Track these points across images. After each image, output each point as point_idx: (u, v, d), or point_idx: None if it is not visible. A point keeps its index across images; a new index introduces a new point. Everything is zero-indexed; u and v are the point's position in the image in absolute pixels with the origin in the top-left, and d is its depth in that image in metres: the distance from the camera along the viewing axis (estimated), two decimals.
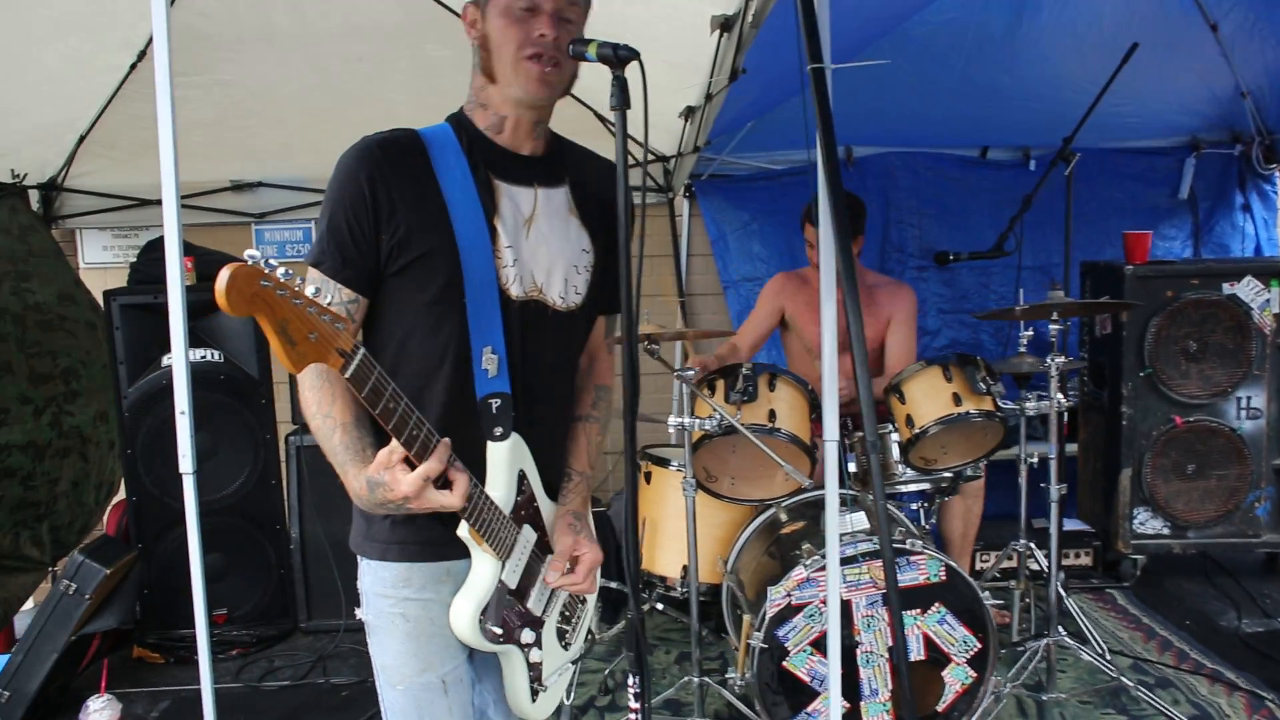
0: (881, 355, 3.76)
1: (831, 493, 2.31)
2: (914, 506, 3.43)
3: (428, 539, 1.66)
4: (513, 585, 1.69)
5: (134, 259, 4.83)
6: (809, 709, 2.82)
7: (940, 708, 2.87)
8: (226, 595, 3.75)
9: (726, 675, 3.03)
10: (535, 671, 1.77)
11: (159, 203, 4.42)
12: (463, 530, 1.60)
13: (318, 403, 1.57)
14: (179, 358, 2.40)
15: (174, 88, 2.34)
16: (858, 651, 2.80)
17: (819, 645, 2.80)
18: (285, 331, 1.27)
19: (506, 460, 1.66)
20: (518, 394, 1.66)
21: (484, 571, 1.65)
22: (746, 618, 2.87)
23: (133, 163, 4.38)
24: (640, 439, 4.02)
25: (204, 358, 3.68)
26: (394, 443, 1.48)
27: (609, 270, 1.77)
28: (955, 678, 2.86)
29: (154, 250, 3.88)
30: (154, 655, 3.73)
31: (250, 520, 3.81)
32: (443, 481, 1.53)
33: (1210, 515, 4.06)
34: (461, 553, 1.65)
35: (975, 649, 2.85)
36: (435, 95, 4.15)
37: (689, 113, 3.97)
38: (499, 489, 1.65)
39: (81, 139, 4.31)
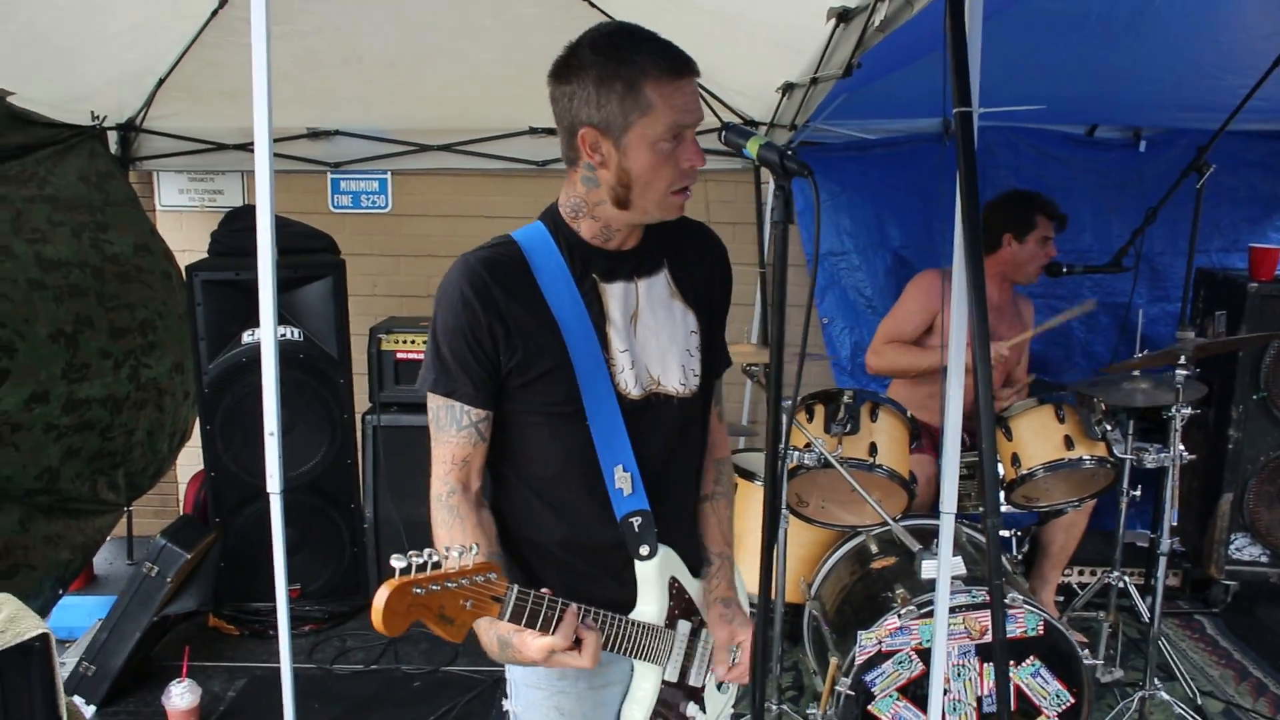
0: (1011, 371, 3.60)
1: (944, 573, 2.20)
2: (1007, 533, 3.30)
3: None
4: (674, 679, 1.75)
5: (208, 202, 4.82)
6: None
7: None
8: (299, 570, 3.77)
9: (808, 710, 2.97)
10: None
11: (236, 147, 4.51)
12: (623, 656, 1.65)
13: (450, 539, 1.57)
14: (269, 382, 2.33)
15: (269, 48, 2.23)
16: (946, 699, 2.72)
17: (906, 691, 2.73)
18: (443, 616, 1.31)
19: (656, 577, 1.67)
20: (655, 505, 1.65)
21: (646, 679, 1.71)
22: (833, 659, 2.80)
23: (210, 107, 4.32)
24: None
25: (284, 335, 3.62)
26: None
27: (717, 340, 1.78)
28: None
29: (235, 221, 3.79)
30: (229, 627, 3.78)
31: (325, 498, 3.80)
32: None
33: None
34: None
35: (1068, 704, 2.76)
36: (522, 53, 4.05)
37: (788, 88, 3.76)
38: (651, 604, 1.67)
39: (160, 83, 4.23)
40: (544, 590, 1.46)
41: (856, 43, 2.74)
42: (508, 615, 1.40)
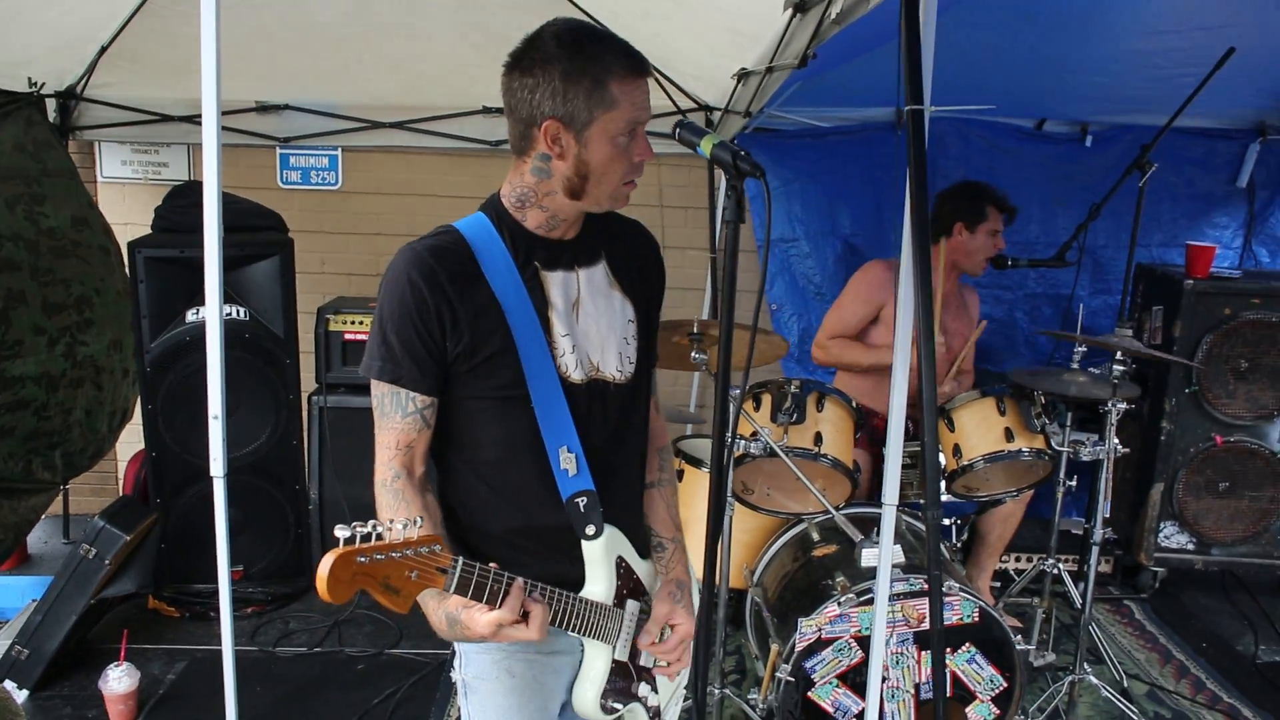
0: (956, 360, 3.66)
1: (885, 564, 2.24)
2: (947, 522, 3.37)
3: None
4: (624, 658, 1.78)
5: (152, 175, 4.71)
6: None
7: None
8: (242, 552, 3.73)
9: (749, 695, 3.02)
10: (654, 712, 1.86)
11: (180, 119, 4.40)
12: (571, 634, 1.69)
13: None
14: (214, 365, 2.29)
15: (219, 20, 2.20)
16: (885, 685, 2.78)
17: (845, 679, 2.79)
18: (388, 586, 1.31)
19: (603, 556, 1.70)
20: (600, 486, 1.68)
21: (597, 657, 1.75)
22: (774, 646, 2.84)
23: (155, 77, 4.21)
24: (671, 432, 3.95)
25: (230, 314, 3.56)
26: None
27: (652, 330, 1.83)
28: (979, 714, 2.86)
29: (181, 197, 3.71)
30: (169, 609, 3.73)
31: (269, 479, 3.76)
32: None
33: (1237, 535, 4.04)
34: None
35: (1001, 688, 2.84)
36: (478, 32, 4.00)
37: (743, 75, 3.76)
38: (599, 583, 1.71)
39: (103, 50, 4.10)
40: (490, 564, 1.48)
41: (813, 34, 2.76)
42: (453, 587, 1.42)
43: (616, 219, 1.80)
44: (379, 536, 1.31)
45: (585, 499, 1.66)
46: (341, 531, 1.28)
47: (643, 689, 1.82)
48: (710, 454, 1.61)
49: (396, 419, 1.60)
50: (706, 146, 1.48)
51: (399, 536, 1.33)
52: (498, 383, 1.62)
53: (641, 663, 1.82)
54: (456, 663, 1.78)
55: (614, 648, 1.75)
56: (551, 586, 1.60)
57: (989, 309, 4.88)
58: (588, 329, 1.69)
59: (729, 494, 2.93)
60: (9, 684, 3.14)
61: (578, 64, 1.52)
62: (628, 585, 1.76)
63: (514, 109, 1.58)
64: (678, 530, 1.88)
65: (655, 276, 1.85)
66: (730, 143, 1.50)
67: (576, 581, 1.70)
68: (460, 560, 1.43)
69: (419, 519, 1.39)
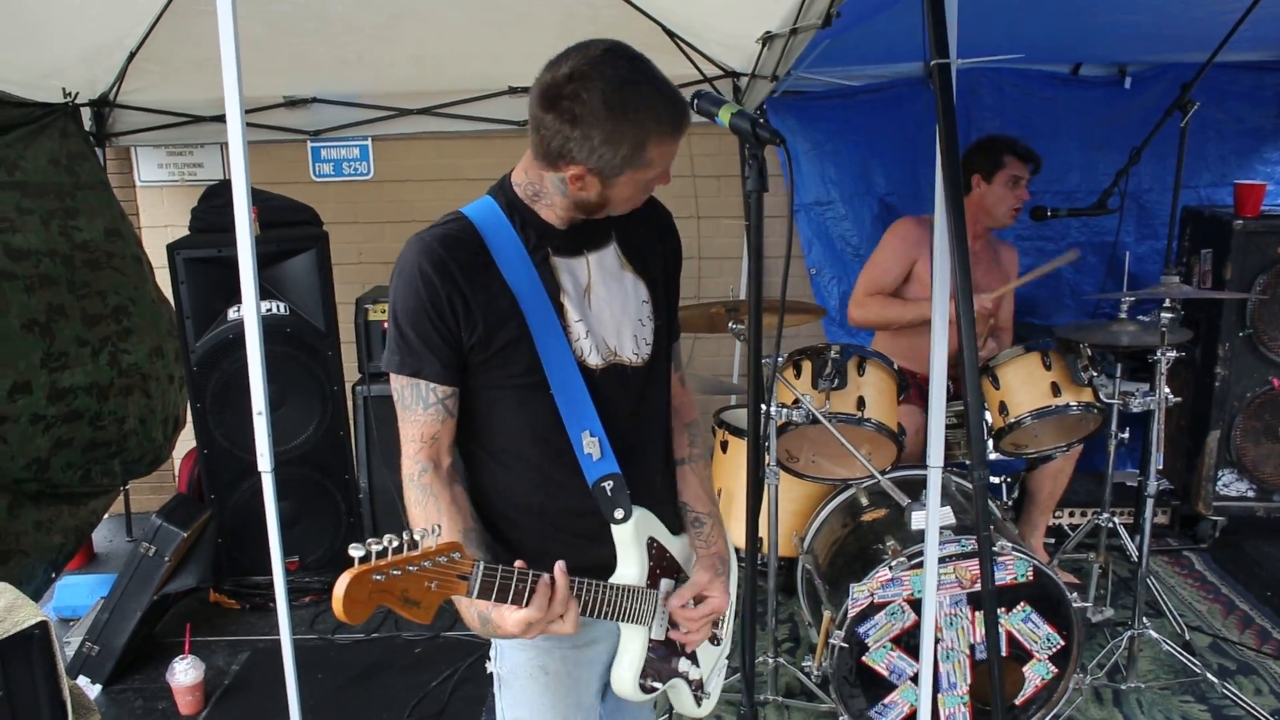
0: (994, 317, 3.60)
1: (933, 527, 2.22)
2: (996, 480, 3.33)
3: None
4: (662, 637, 1.77)
5: (188, 176, 4.77)
6: (885, 700, 2.82)
7: (1018, 701, 2.85)
8: (297, 543, 3.80)
9: (804, 663, 3.02)
10: (696, 685, 1.87)
11: (212, 119, 4.44)
12: (607, 620, 1.68)
13: (425, 519, 1.58)
14: (254, 361, 2.32)
15: (235, 15, 2.21)
16: (939, 647, 2.76)
17: (899, 641, 2.77)
18: (407, 599, 1.30)
19: (634, 538, 1.69)
20: (625, 468, 1.67)
21: (633, 639, 1.74)
22: (827, 613, 2.84)
23: (184, 79, 4.26)
24: (714, 403, 3.93)
25: (269, 310, 3.61)
26: None
27: (670, 309, 1.80)
28: (1036, 673, 2.83)
29: (214, 198, 3.75)
30: (229, 601, 3.81)
31: (319, 470, 3.81)
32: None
33: None
34: None
35: (1058, 646, 2.81)
36: (498, 12, 3.98)
37: (768, 39, 3.71)
38: (631, 566, 1.69)
39: (132, 56, 4.15)
40: (516, 563, 1.47)
41: None
42: (476, 592, 1.40)
43: None
44: (395, 550, 1.28)
45: (611, 483, 1.65)
46: (356, 551, 1.26)
47: (683, 664, 1.82)
48: (747, 421, 1.60)
49: (419, 411, 1.59)
50: (725, 116, 1.46)
51: (416, 549, 1.31)
52: (515, 371, 1.61)
53: (676, 637, 1.81)
54: (493, 654, 1.79)
55: (650, 628, 1.74)
56: (580, 578, 1.58)
57: (1032, 260, 4.78)
58: (601, 313, 1.67)
59: (774, 462, 2.91)
60: (82, 679, 3.24)
61: (620, 128, 1.48)
62: (660, 565, 1.75)
63: (543, 135, 1.53)
64: (713, 504, 1.86)
65: (670, 250, 1.81)
66: (749, 111, 1.47)
67: (608, 564, 1.69)
68: (481, 564, 1.40)
69: (438, 526, 1.38)
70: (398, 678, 3.34)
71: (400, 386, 1.60)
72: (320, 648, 3.55)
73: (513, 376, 1.61)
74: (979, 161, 3.55)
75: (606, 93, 1.45)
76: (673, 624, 1.77)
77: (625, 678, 1.74)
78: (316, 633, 3.64)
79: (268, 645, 3.52)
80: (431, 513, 1.57)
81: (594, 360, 1.65)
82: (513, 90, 4.47)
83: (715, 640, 1.89)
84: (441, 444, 1.61)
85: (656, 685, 1.78)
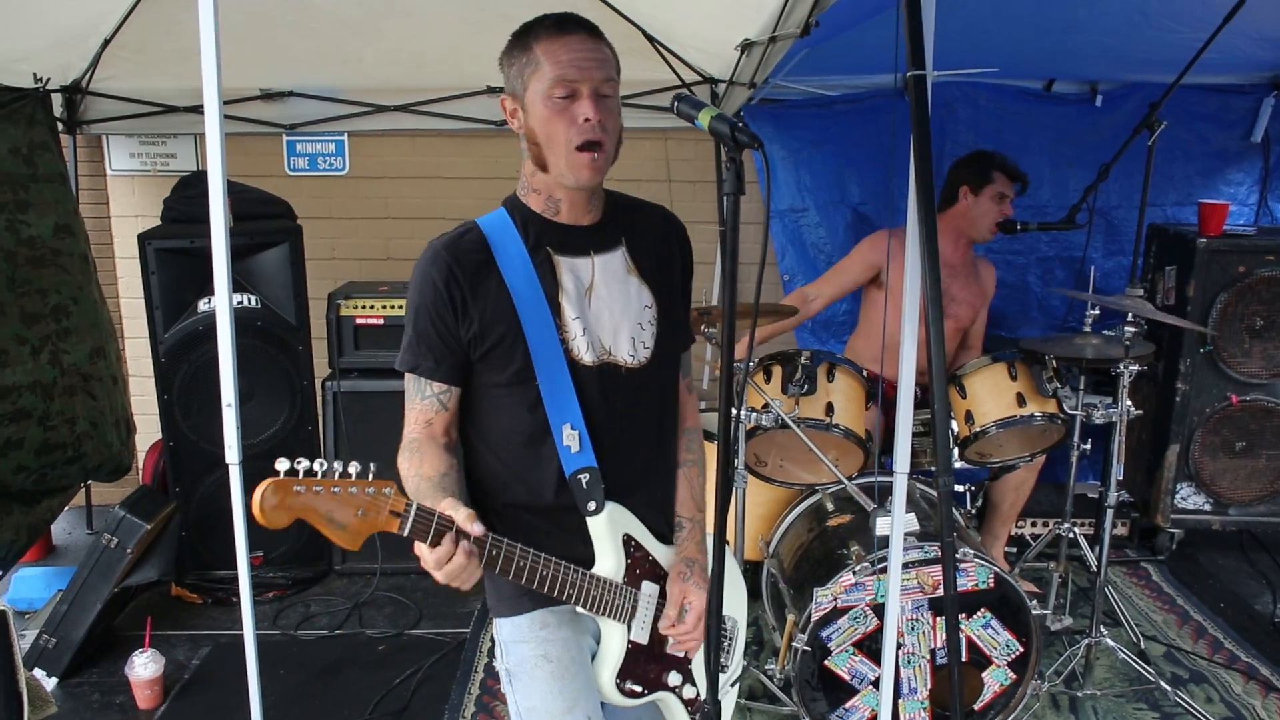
0: (967, 331, 3.65)
1: (897, 532, 2.25)
2: (960, 488, 3.37)
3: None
4: (644, 641, 1.80)
5: (161, 166, 4.72)
6: (847, 705, 2.84)
7: (977, 706, 2.89)
8: (262, 538, 3.76)
9: (766, 666, 3.04)
10: (692, 706, 1.89)
11: (187, 109, 4.39)
12: (578, 610, 1.73)
13: (408, 466, 1.68)
14: (225, 354, 2.31)
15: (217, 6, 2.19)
16: (901, 652, 2.79)
17: (862, 646, 2.80)
18: (332, 520, 1.37)
19: (607, 531, 1.73)
20: (605, 464, 1.72)
21: (612, 637, 1.79)
22: (790, 616, 2.86)
23: (160, 68, 4.21)
24: None
25: (241, 303, 3.59)
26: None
27: (676, 317, 1.85)
28: (995, 679, 2.87)
29: (188, 188, 3.72)
30: (191, 595, 3.78)
31: None
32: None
33: (1255, 494, 4.02)
34: None
35: (1017, 652, 2.85)
36: (477, 10, 3.98)
37: (747, 46, 3.74)
38: (607, 559, 1.74)
39: (106, 43, 4.11)
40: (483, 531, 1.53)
41: (814, 2, 2.74)
42: (408, 530, 1.46)
43: (638, 205, 1.85)
44: (325, 474, 1.37)
45: (587, 475, 1.70)
46: (282, 463, 1.33)
47: (673, 678, 1.84)
48: (718, 426, 1.61)
49: (418, 401, 1.71)
50: (704, 119, 1.48)
51: (349, 475, 1.39)
52: (510, 370, 1.68)
53: (670, 650, 1.83)
54: (497, 652, 1.84)
55: (628, 627, 1.77)
56: (558, 559, 1.66)
57: (1002, 274, 4.84)
58: (600, 313, 1.72)
59: (742, 466, 2.93)
60: (38, 672, 3.20)
61: (516, 39, 1.65)
62: (640, 566, 1.77)
63: None
64: (698, 510, 1.89)
65: (680, 261, 1.87)
66: (728, 115, 1.49)
67: (589, 561, 1.74)
68: (415, 504, 1.46)
69: (372, 465, 1.44)
70: (361, 675, 3.33)
71: (407, 380, 1.72)
72: (283, 643, 3.52)
73: (508, 378, 1.69)
74: (968, 174, 3.60)
75: (521, 25, 1.67)
76: (659, 637, 1.81)
77: (601, 676, 1.78)
78: (279, 628, 3.62)
79: (229, 640, 3.50)
80: (415, 461, 1.67)
81: (587, 358, 1.70)
82: (490, 90, 4.47)
83: (722, 668, 1.89)
84: (435, 427, 1.72)
85: (637, 689, 1.80)
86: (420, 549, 1.51)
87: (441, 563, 1.50)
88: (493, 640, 1.86)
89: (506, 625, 1.80)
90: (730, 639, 2.01)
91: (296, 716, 3.10)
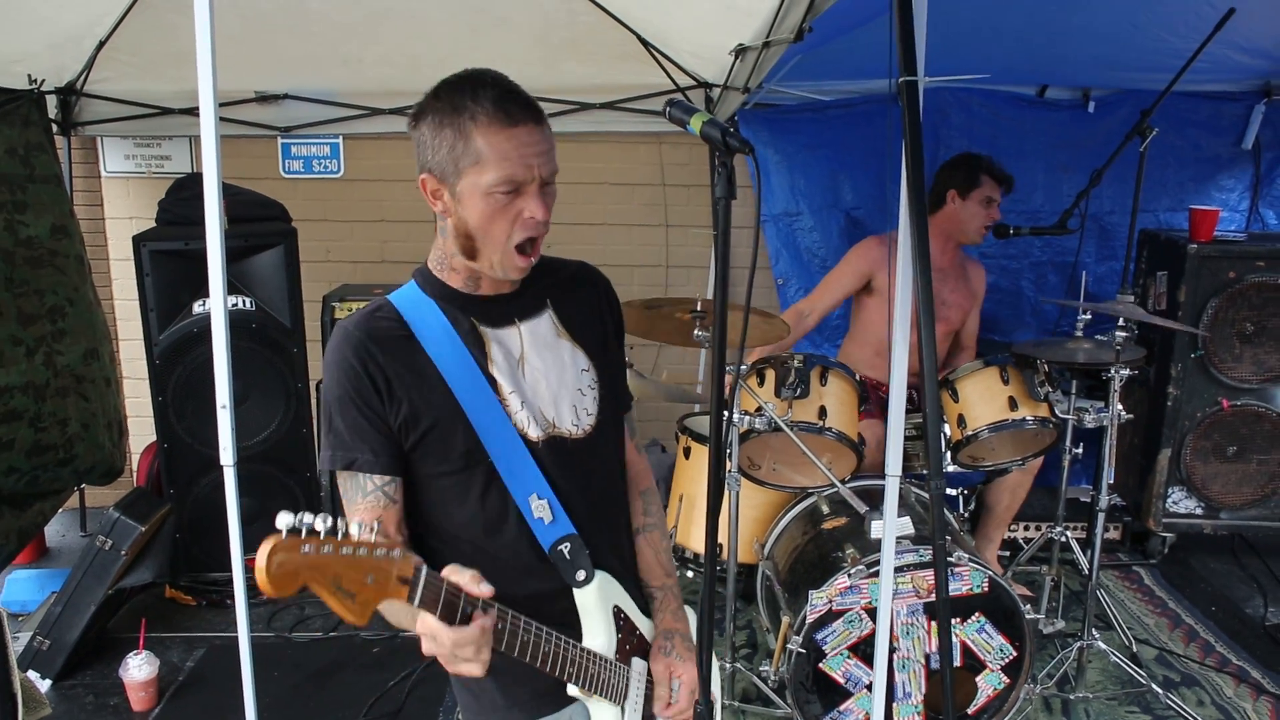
0: (959, 332, 3.67)
1: (889, 535, 2.26)
2: (953, 492, 3.39)
3: (543, 690, 1.61)
4: None
5: (155, 168, 4.73)
6: (841, 708, 2.85)
7: (971, 710, 2.90)
8: (256, 540, 3.66)
9: (761, 668, 3.05)
10: None
11: (181, 111, 4.40)
12: (573, 690, 1.56)
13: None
14: (220, 355, 2.31)
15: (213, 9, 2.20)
16: (895, 656, 2.80)
17: (856, 649, 2.81)
18: (340, 588, 1.17)
19: (598, 603, 1.60)
20: (583, 532, 1.59)
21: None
22: (785, 618, 2.87)
23: (155, 70, 4.22)
24: (677, 410, 3.95)
25: (236, 305, 3.60)
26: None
27: (614, 378, 1.71)
28: (989, 683, 2.88)
29: (183, 190, 3.73)
30: (186, 598, 3.78)
31: (281, 466, 3.80)
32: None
33: (1246, 498, 4.04)
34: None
35: (1011, 657, 2.86)
36: (472, 13, 3.98)
37: (741, 51, 3.75)
38: (599, 635, 1.61)
39: (101, 44, 4.11)
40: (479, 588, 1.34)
41: (808, 7, 2.76)
42: (418, 600, 1.26)
43: (560, 264, 1.71)
44: (329, 532, 1.17)
45: (569, 544, 1.56)
46: (284, 518, 1.15)
47: None
48: (709, 428, 1.61)
49: (358, 501, 1.50)
50: (696, 124, 1.48)
51: (354, 535, 1.19)
52: (454, 455, 1.52)
53: None
54: None
55: (622, 710, 1.62)
56: (555, 633, 1.49)
57: (995, 279, 4.88)
58: (536, 385, 1.59)
59: (736, 469, 2.94)
60: (32, 674, 3.19)
61: (444, 114, 1.44)
62: (630, 641, 1.66)
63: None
64: (667, 576, 1.77)
65: (609, 317, 1.73)
66: (719, 120, 1.50)
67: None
68: (424, 569, 1.27)
69: (376, 524, 1.25)
70: (355, 677, 3.33)
71: (341, 482, 1.52)
72: (277, 645, 3.52)
73: (451, 462, 1.53)
74: (956, 177, 3.63)
75: (440, 86, 1.47)
76: (650, 696, 1.68)
77: None
78: (274, 630, 3.62)
79: (224, 642, 3.49)
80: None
81: (533, 433, 1.56)
82: None
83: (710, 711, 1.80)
84: (388, 526, 1.51)
85: None
86: (429, 624, 1.30)
87: (461, 643, 1.30)
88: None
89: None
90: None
91: (291, 717, 3.10)
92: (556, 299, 1.66)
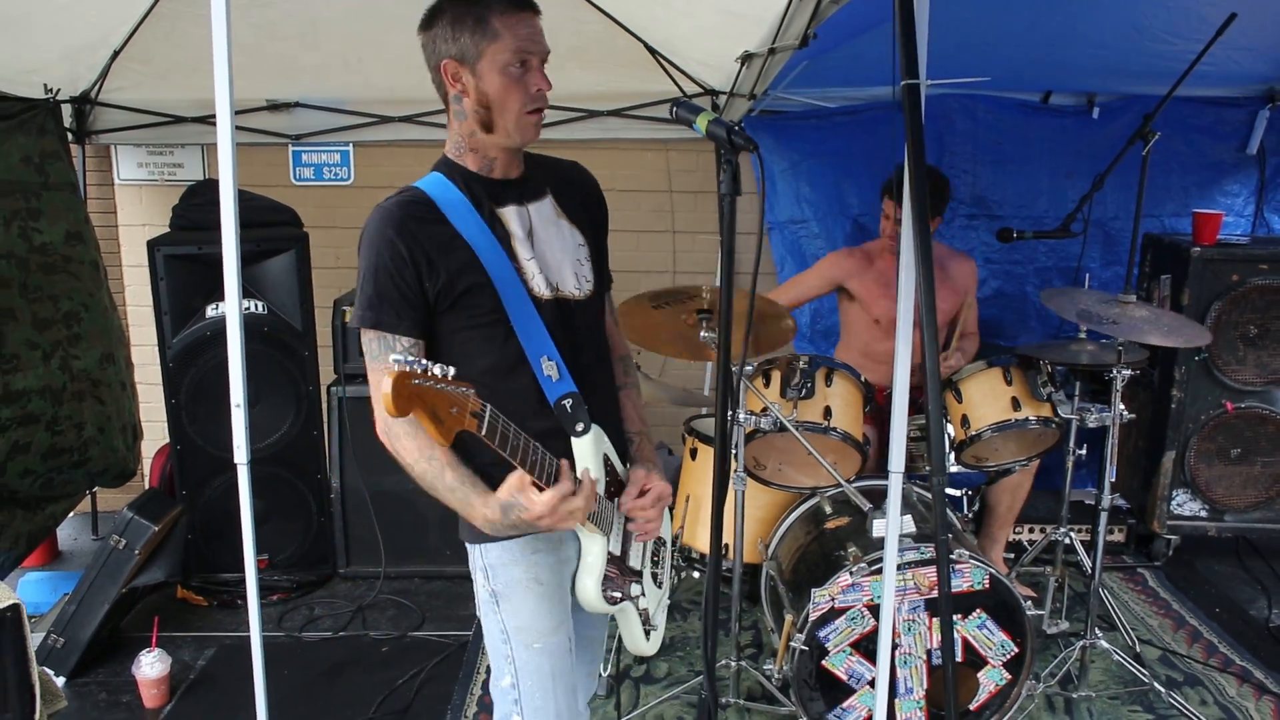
0: (952, 328, 3.69)
1: (892, 531, 2.29)
2: (957, 492, 3.41)
3: None
4: (617, 552, 1.93)
5: (168, 176, 4.79)
6: (844, 704, 2.87)
7: (973, 706, 2.92)
8: (268, 541, 3.81)
9: (765, 666, 3.08)
10: (644, 615, 2.04)
11: (195, 119, 4.46)
12: None
13: (418, 449, 1.72)
14: (234, 353, 2.36)
15: (229, 19, 2.25)
16: (897, 652, 2.83)
17: (859, 646, 2.84)
18: (435, 415, 1.46)
19: (592, 451, 1.84)
20: (583, 390, 1.85)
21: (595, 548, 1.88)
22: (789, 616, 2.90)
23: (168, 79, 4.28)
24: (684, 414, 3.98)
25: (248, 309, 3.65)
26: (519, 470, 1.66)
27: (602, 255, 2.02)
28: (990, 679, 2.90)
29: (196, 195, 3.79)
30: (197, 598, 3.82)
31: (292, 469, 3.84)
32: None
33: (1250, 501, 4.06)
34: None
35: (1012, 653, 2.88)
36: None
37: (747, 58, 3.80)
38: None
39: (115, 54, 4.18)
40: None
41: (812, 13, 2.79)
42: (484, 429, 1.54)
43: (555, 161, 2.01)
44: (425, 370, 1.44)
45: (570, 400, 1.81)
46: (396, 357, 1.42)
47: (634, 589, 1.98)
48: (715, 428, 1.66)
49: (385, 360, 1.68)
50: (702, 123, 1.53)
51: (439, 374, 1.46)
52: (478, 311, 1.77)
53: (631, 563, 1.97)
54: (483, 578, 1.90)
55: (608, 539, 1.89)
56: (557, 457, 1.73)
57: (1000, 283, 4.91)
58: (545, 252, 1.86)
59: (742, 469, 2.97)
60: (47, 671, 3.23)
61: (463, 7, 1.72)
62: (614, 484, 1.92)
63: (428, 63, 1.79)
64: (643, 424, 2.07)
65: (598, 208, 2.03)
66: (725, 120, 1.54)
67: None
68: (488, 406, 1.55)
69: (451, 369, 1.49)
70: (364, 676, 3.36)
71: (368, 340, 1.75)
72: (287, 645, 3.56)
73: (477, 318, 1.77)
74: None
75: None
76: (625, 550, 1.95)
77: (588, 585, 1.88)
78: (284, 630, 3.66)
79: (235, 641, 3.54)
80: (424, 441, 1.70)
81: (546, 293, 1.83)
82: None
83: (657, 580, 2.08)
84: None
85: (616, 596, 1.92)
86: (530, 497, 1.64)
87: (564, 495, 1.64)
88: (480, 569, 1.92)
89: (496, 549, 1.87)
90: (663, 554, 2.15)
91: (301, 715, 3.14)
92: (555, 187, 1.95)
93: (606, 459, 1.90)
